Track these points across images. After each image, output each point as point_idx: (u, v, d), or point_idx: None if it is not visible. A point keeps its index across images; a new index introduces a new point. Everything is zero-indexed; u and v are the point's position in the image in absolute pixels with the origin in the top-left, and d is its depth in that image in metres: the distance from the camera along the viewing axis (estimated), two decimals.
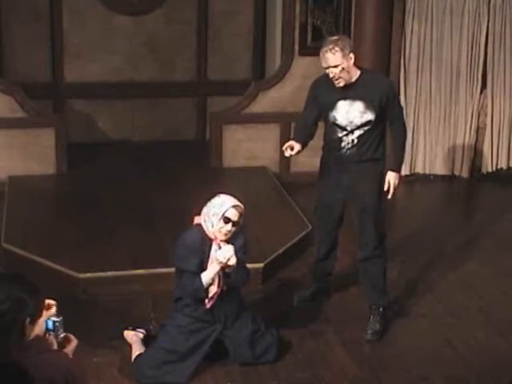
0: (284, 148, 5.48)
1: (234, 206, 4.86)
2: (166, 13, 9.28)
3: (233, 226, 4.87)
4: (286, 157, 5.58)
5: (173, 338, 5.00)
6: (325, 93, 5.44)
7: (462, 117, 8.75)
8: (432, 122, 8.76)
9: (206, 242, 4.92)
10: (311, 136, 5.58)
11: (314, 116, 5.56)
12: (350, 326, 5.64)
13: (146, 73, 9.36)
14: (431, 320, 5.81)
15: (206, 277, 4.87)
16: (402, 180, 8.57)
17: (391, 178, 5.52)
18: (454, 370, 5.19)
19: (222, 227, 4.86)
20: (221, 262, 4.82)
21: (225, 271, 4.90)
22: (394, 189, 5.53)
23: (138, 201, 7.47)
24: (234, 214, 4.86)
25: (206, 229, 4.92)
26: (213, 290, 4.94)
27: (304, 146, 5.51)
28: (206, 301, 4.96)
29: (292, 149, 5.44)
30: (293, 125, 8.05)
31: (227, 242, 4.90)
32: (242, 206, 4.90)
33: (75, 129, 8.83)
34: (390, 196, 5.54)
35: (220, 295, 4.97)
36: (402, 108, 5.63)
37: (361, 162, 5.44)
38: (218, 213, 4.85)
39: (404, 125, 5.59)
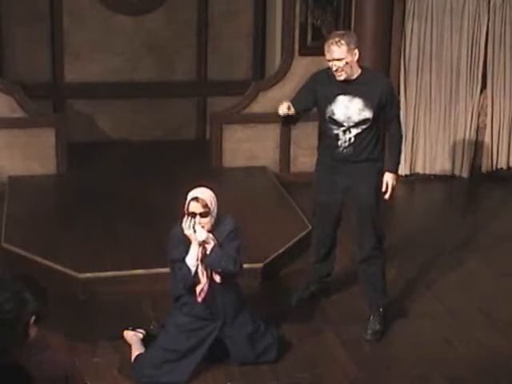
0: (282, 107, 5.23)
1: (192, 199, 4.92)
2: (166, 13, 9.28)
3: (202, 217, 4.90)
4: (280, 115, 5.26)
5: (173, 337, 5.01)
6: (324, 87, 5.42)
7: (462, 117, 8.75)
8: (432, 122, 8.76)
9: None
10: (299, 117, 5.42)
11: (308, 99, 5.44)
12: (349, 326, 5.64)
13: (145, 73, 9.35)
14: (431, 320, 5.81)
15: (189, 260, 4.92)
16: (402, 180, 8.65)
17: (388, 178, 5.52)
18: (454, 370, 5.19)
19: (192, 223, 4.90)
20: (190, 235, 4.85)
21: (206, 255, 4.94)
22: (392, 190, 5.53)
23: (138, 201, 7.47)
24: (194, 207, 4.91)
25: None
26: (202, 281, 4.95)
27: (297, 116, 5.37)
28: (197, 294, 4.97)
29: (289, 108, 5.25)
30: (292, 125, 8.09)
31: (211, 231, 4.93)
32: (204, 196, 4.92)
33: (75, 129, 8.83)
34: (387, 197, 5.54)
35: (212, 288, 4.97)
36: (399, 109, 5.63)
37: (358, 162, 5.44)
38: (185, 211, 4.95)
39: (401, 126, 5.59)
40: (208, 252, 4.92)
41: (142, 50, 9.30)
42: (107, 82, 9.21)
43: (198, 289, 4.98)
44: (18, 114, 8.12)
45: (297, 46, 8.49)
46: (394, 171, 5.57)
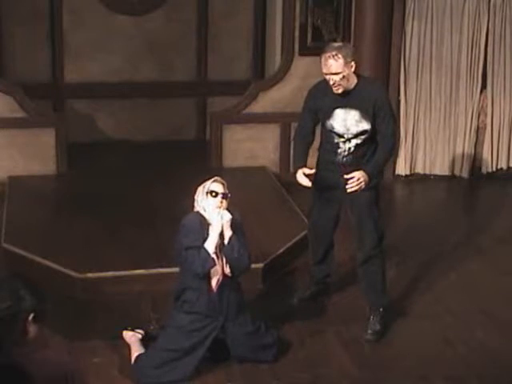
0: (301, 180, 5.44)
1: (213, 181, 5.04)
2: (166, 13, 9.28)
3: (222, 198, 4.99)
4: (301, 184, 5.45)
5: (173, 338, 5.00)
6: (321, 102, 5.45)
7: (462, 117, 8.75)
8: (432, 122, 8.76)
9: (205, 226, 4.99)
10: (311, 144, 5.62)
11: (312, 125, 5.60)
12: (350, 326, 5.64)
13: (145, 73, 9.36)
14: (431, 320, 5.81)
15: (209, 244, 4.93)
16: (402, 180, 8.67)
17: (359, 173, 5.25)
18: (454, 370, 5.19)
19: (214, 204, 4.97)
20: (217, 221, 4.91)
21: (222, 248, 4.96)
22: (358, 183, 5.22)
23: (138, 201, 7.47)
24: (216, 186, 5.02)
25: (203, 214, 5.02)
26: (218, 269, 4.96)
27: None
28: (213, 283, 4.98)
29: (306, 175, 5.43)
30: (293, 125, 8.07)
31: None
32: (220, 179, 5.10)
33: (75, 129, 8.83)
34: (349, 188, 5.24)
35: (222, 281, 4.98)
36: (393, 121, 5.44)
37: (358, 165, 5.43)
38: (203, 195, 5.01)
39: (391, 140, 5.43)
40: (226, 241, 4.97)
41: (142, 50, 9.30)
42: (107, 82, 9.22)
43: (214, 279, 4.98)
44: (18, 114, 8.12)
45: (297, 46, 8.48)
46: (368, 174, 5.29)
